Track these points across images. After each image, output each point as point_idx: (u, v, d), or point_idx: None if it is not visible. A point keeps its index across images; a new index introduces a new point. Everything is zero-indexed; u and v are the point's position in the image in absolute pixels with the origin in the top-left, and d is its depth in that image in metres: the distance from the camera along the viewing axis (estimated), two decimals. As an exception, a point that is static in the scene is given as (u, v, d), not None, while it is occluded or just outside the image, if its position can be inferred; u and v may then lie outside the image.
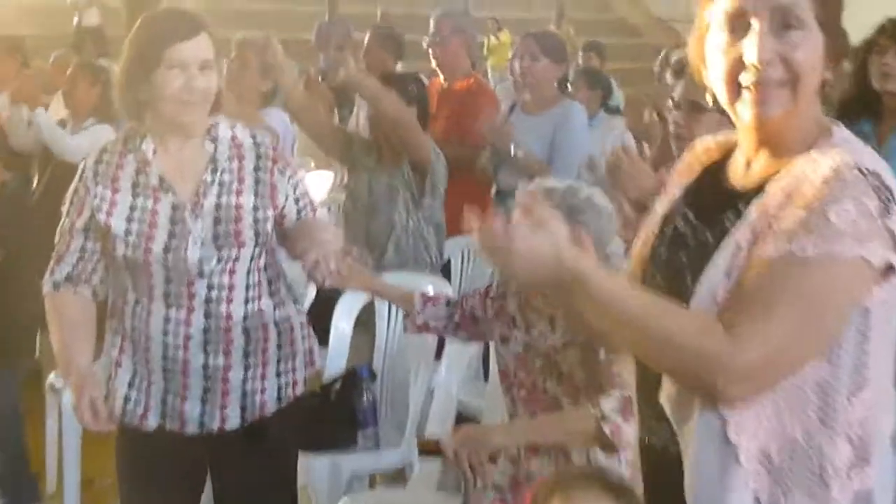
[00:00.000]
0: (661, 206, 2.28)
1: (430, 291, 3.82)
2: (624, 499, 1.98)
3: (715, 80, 2.06)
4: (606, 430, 2.98)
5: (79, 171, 3.33)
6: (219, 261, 3.20)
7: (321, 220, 3.42)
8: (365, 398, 4.42)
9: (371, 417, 4.39)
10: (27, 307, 4.83)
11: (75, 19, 16.69)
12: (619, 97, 10.16)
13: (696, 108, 3.71)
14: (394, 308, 4.58)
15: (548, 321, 3.25)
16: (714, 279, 1.99)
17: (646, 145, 6.52)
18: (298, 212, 3.34)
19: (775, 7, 1.96)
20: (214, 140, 3.26)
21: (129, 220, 3.22)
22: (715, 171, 2.19)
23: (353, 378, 4.48)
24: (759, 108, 2.00)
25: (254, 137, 3.34)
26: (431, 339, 4.39)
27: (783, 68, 1.98)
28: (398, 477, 4.60)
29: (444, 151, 5.10)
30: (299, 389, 3.41)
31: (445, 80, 6.33)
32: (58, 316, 3.33)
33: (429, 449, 3.73)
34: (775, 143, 2.06)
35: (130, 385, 3.32)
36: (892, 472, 2.10)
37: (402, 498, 4.17)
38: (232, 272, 3.24)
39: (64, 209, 3.34)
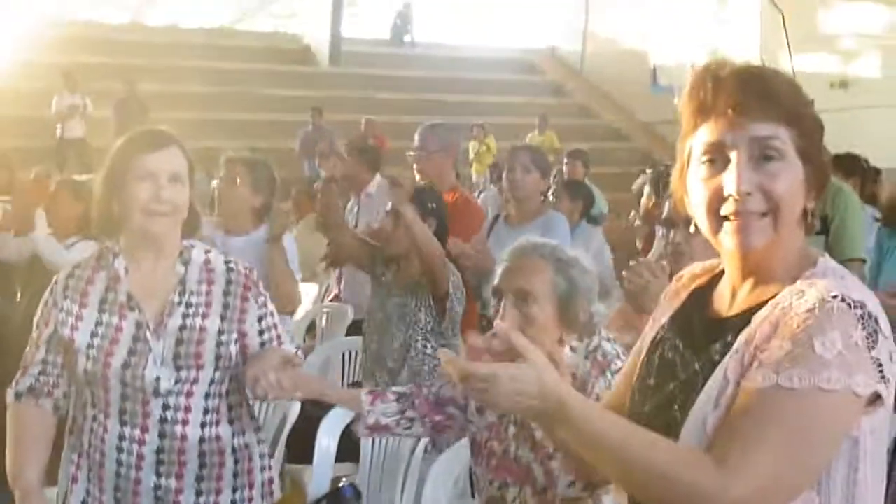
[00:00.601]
0: (650, 331, 2.25)
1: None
2: None
3: (697, 210, 2.04)
4: None
5: (50, 286, 3.33)
6: (177, 381, 3.17)
7: (279, 348, 3.33)
8: (352, 523, 4.38)
9: (358, 548, 4.34)
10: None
11: (58, 131, 16.41)
12: (602, 204, 10.19)
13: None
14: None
15: None
16: (704, 411, 1.95)
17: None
18: (262, 344, 3.30)
19: (754, 139, 1.95)
20: (186, 262, 3.24)
21: (93, 335, 3.20)
22: (701, 298, 2.16)
23: (338, 497, 4.42)
24: (740, 239, 1.98)
25: (227, 263, 3.31)
26: (418, 456, 4.33)
27: (763, 199, 1.96)
28: None
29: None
30: None
31: (427, 190, 6.33)
32: (15, 428, 3.30)
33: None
34: (760, 272, 2.03)
35: (83, 503, 3.27)
36: None
37: None
38: (189, 394, 3.19)
39: (35, 321, 3.33)
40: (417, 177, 6.37)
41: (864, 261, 5.26)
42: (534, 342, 2.97)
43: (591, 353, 3.11)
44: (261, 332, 3.30)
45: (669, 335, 2.16)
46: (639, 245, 7.68)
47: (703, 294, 2.17)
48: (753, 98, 1.95)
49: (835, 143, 4.74)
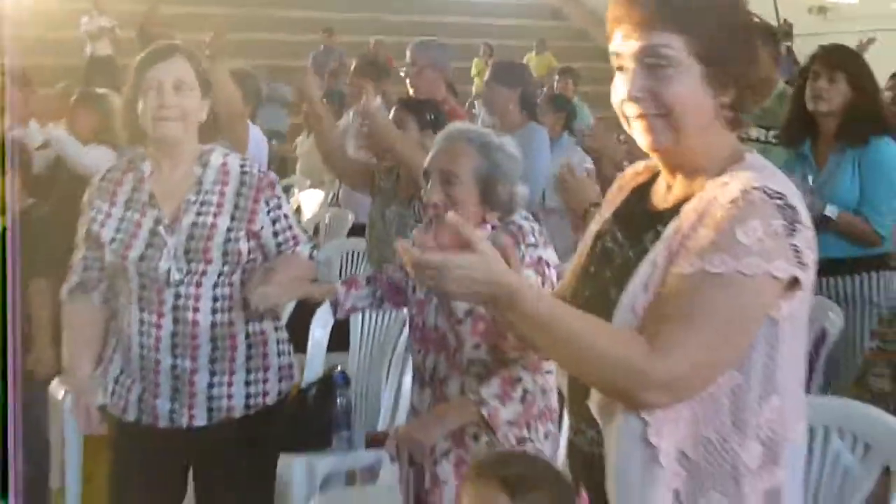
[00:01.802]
0: (594, 224, 2.29)
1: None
2: (520, 494, 1.92)
3: (617, 112, 2.09)
4: (485, 412, 2.99)
5: (87, 189, 3.46)
6: (187, 273, 3.25)
7: (290, 258, 3.40)
8: (339, 403, 4.42)
9: (345, 420, 4.38)
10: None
11: (87, 49, 16.53)
12: (586, 118, 10.17)
13: None
14: (367, 317, 4.57)
15: None
16: (634, 294, 2.00)
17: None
18: (277, 245, 3.38)
19: (645, 47, 1.98)
20: (204, 165, 3.34)
21: (117, 230, 3.33)
22: (642, 192, 2.20)
23: (329, 383, 4.47)
24: (646, 138, 2.04)
25: (242, 166, 3.38)
26: (401, 349, 4.39)
27: (654, 103, 2.00)
28: (374, 475, 4.60)
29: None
30: (271, 400, 3.41)
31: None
32: (68, 324, 3.51)
33: (376, 441, 3.74)
34: (685, 167, 2.08)
35: (116, 381, 3.41)
36: (800, 473, 2.11)
37: (369, 495, 4.16)
38: (199, 284, 3.27)
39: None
40: (411, 91, 6.38)
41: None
42: None
43: (507, 226, 3.15)
44: (275, 234, 3.38)
45: (610, 227, 2.20)
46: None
47: (643, 189, 2.21)
48: (647, 9, 1.98)
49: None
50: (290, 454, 4.19)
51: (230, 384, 3.33)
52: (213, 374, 3.31)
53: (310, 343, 4.68)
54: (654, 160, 2.18)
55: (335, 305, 3.57)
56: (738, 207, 1.91)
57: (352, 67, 8.01)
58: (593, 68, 14.88)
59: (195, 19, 16.55)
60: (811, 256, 1.95)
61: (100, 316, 3.48)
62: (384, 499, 3.74)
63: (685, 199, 2.04)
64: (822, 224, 4.43)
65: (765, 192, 1.93)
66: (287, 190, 8.14)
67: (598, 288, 2.14)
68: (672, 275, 1.95)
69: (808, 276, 1.96)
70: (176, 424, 3.33)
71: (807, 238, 1.94)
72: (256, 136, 5.68)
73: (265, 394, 3.40)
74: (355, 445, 4.36)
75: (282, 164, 10.84)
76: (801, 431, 2.07)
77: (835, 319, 4.40)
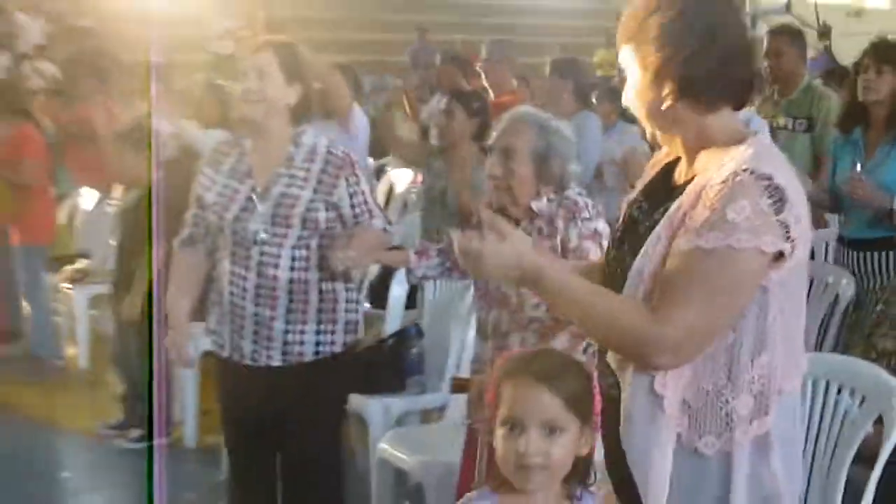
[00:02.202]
0: (629, 196, 2.29)
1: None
2: (554, 383, 1.90)
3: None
4: None
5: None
6: (272, 235, 3.31)
7: (366, 229, 3.42)
8: (413, 351, 4.47)
9: (418, 367, 4.43)
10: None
11: (212, 47, 16.73)
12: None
13: None
14: (437, 281, 4.58)
15: None
16: (642, 261, 2.01)
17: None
18: (354, 216, 3.40)
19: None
20: (297, 144, 3.39)
21: (219, 195, 3.41)
22: (668, 169, 2.19)
23: (404, 335, 4.52)
24: (660, 130, 2.11)
25: (329, 147, 3.41)
26: (467, 305, 4.39)
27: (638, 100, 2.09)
28: (441, 415, 4.62)
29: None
30: (337, 349, 3.43)
31: (494, 95, 6.33)
32: (174, 271, 3.60)
33: (460, 386, 3.74)
34: (694, 150, 2.07)
35: (218, 323, 3.48)
36: (793, 422, 2.08)
37: (436, 430, 4.18)
38: (280, 245, 3.33)
39: None
40: (485, 82, 6.42)
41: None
42: (514, 191, 3.00)
43: (563, 201, 3.14)
44: (352, 206, 3.40)
45: (638, 198, 2.21)
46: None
47: (670, 166, 2.19)
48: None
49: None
50: (368, 396, 4.26)
51: (302, 332, 3.37)
52: (288, 322, 3.36)
53: (389, 300, 4.71)
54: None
55: (408, 272, 3.58)
56: (728, 188, 1.90)
57: (438, 61, 8.10)
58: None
59: (304, 21, 16.63)
60: (800, 230, 1.92)
61: (203, 266, 3.56)
62: (451, 434, 3.74)
63: (692, 178, 2.03)
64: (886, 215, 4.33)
65: (752, 173, 1.91)
66: (382, 168, 8.18)
67: (621, 253, 2.14)
68: (673, 251, 1.95)
69: (798, 248, 1.93)
70: (257, 363, 3.40)
71: (796, 214, 1.91)
72: (361, 119, 5.71)
73: (332, 343, 3.42)
74: (427, 389, 4.38)
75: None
76: (793, 385, 2.05)
77: (846, 287, 4.32)
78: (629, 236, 2.15)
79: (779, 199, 1.90)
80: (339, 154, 3.39)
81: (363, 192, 3.41)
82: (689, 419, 1.98)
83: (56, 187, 7.53)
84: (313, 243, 3.35)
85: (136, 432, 5.26)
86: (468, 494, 2.06)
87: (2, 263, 6.79)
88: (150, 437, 5.18)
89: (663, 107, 2.03)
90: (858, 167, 4.42)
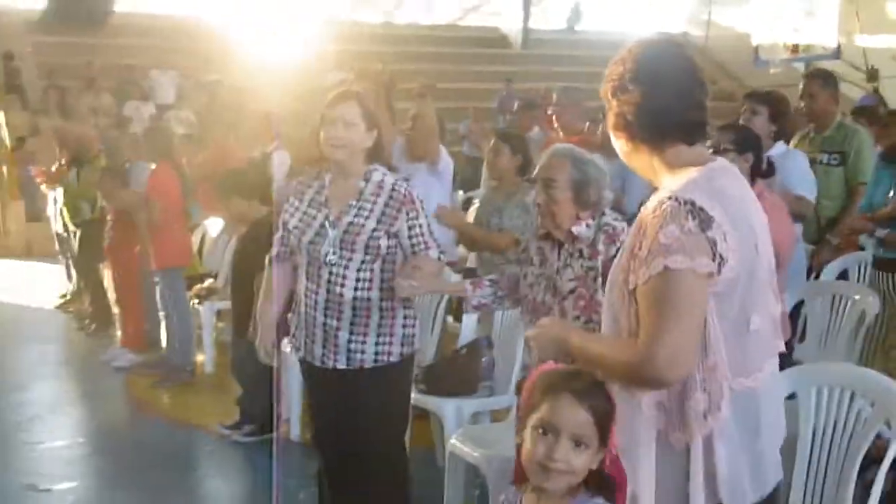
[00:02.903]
0: None
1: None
2: (587, 399, 1.95)
3: None
4: None
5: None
6: (340, 258, 3.38)
7: (425, 256, 3.46)
8: (484, 359, 4.48)
9: (488, 373, 4.44)
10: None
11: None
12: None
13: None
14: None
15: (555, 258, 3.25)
16: (607, 296, 2.13)
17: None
18: (412, 246, 3.45)
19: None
20: (367, 180, 3.46)
21: (300, 220, 3.50)
22: None
23: (477, 345, 4.54)
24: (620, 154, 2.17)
25: (394, 184, 3.47)
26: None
27: None
28: (507, 415, 4.63)
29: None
30: (394, 358, 3.48)
31: (563, 135, 6.33)
32: (265, 284, 3.72)
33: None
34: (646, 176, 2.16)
35: (297, 329, 3.58)
36: (744, 418, 2.06)
37: (503, 428, 4.19)
38: (346, 267, 3.40)
39: None
40: (556, 125, 6.44)
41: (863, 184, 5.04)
42: (556, 217, 3.02)
43: (602, 227, 3.19)
44: (410, 237, 3.45)
45: None
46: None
47: None
48: None
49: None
50: (444, 398, 4.30)
51: (364, 342, 3.43)
52: (351, 332, 3.43)
53: (464, 317, 4.74)
54: None
55: (465, 301, 3.60)
56: (656, 216, 1.94)
57: (517, 107, 8.20)
58: (717, 107, 14.63)
59: (413, 74, 16.83)
60: (727, 247, 1.93)
61: (288, 280, 3.62)
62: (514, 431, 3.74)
63: None
64: None
65: (676, 199, 1.94)
66: (470, 200, 8.22)
67: None
68: (636, 290, 1.97)
69: (729, 262, 1.94)
70: (325, 365, 3.48)
71: (721, 231, 1.93)
72: (445, 158, 5.77)
73: (389, 353, 3.47)
74: (495, 392, 4.40)
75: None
76: (745, 385, 2.03)
77: (873, 304, 4.24)
78: None
79: (704, 219, 1.92)
80: (401, 191, 3.44)
81: (420, 225, 3.45)
82: (665, 417, 2.01)
83: (188, 218, 7.78)
84: (376, 267, 3.42)
85: (247, 427, 5.38)
86: (500, 496, 2.10)
87: (146, 283, 7.03)
88: (261, 431, 5.33)
89: (624, 149, 2.10)
90: (892, 193, 4.37)
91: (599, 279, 3.09)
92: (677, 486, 2.00)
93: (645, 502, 2.01)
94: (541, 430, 1.94)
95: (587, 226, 3.18)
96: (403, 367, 3.54)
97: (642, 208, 2.03)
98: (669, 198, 1.95)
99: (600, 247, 3.14)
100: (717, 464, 1.98)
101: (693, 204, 1.94)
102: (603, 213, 3.22)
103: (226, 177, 5.64)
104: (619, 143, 2.12)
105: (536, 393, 1.99)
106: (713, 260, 1.92)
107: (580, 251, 3.17)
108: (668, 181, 2.05)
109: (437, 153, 5.54)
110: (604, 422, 1.96)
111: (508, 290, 3.49)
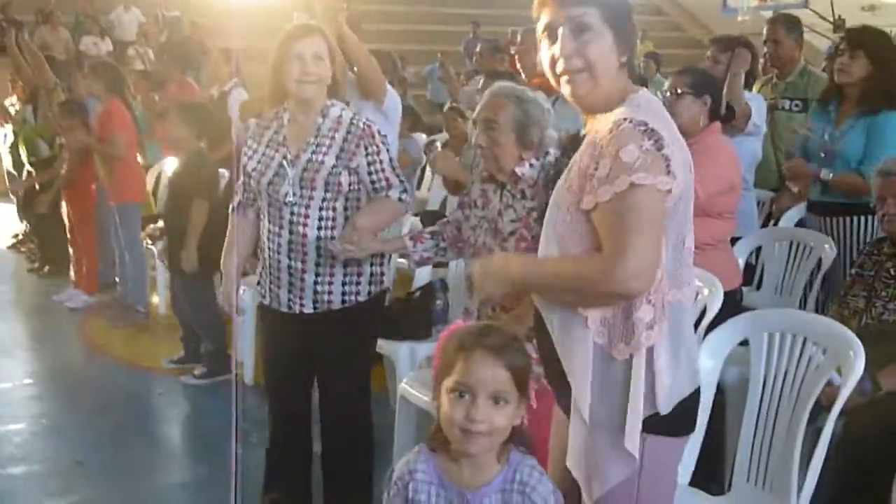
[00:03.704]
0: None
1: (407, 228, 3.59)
2: (504, 358, 1.89)
3: (547, 72, 2.10)
4: None
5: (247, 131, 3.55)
6: (301, 197, 3.29)
7: (381, 202, 3.37)
8: (439, 302, 4.43)
9: (442, 317, 4.39)
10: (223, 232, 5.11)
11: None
12: (660, 82, 9.87)
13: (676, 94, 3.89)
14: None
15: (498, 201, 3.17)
16: (551, 213, 2.11)
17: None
18: (372, 183, 3.35)
19: (570, 17, 2.02)
20: (324, 116, 3.34)
21: (258, 162, 3.38)
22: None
23: (431, 288, 4.48)
24: (571, 89, 2.05)
25: (352, 119, 3.36)
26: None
27: (580, 60, 2.03)
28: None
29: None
30: (362, 298, 3.39)
31: (526, 77, 6.22)
32: (229, 234, 3.59)
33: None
34: (595, 110, 2.08)
35: (260, 275, 3.49)
36: (679, 328, 2.08)
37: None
38: (308, 206, 3.30)
39: None
40: (519, 67, 6.32)
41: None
42: (499, 159, 2.96)
43: (545, 167, 3.07)
44: (370, 174, 3.34)
45: (561, 156, 2.35)
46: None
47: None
48: None
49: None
50: (397, 341, 4.24)
51: (330, 283, 3.34)
52: (317, 274, 3.33)
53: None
54: None
55: (408, 256, 3.50)
56: (615, 136, 1.94)
57: (479, 49, 8.06)
58: (686, 55, 14.52)
59: (379, 14, 16.57)
60: (678, 164, 1.97)
61: (253, 228, 3.51)
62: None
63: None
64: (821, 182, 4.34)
65: (630, 122, 1.95)
66: (433, 142, 8.11)
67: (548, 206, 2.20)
68: (596, 208, 1.97)
69: (679, 180, 1.97)
70: (292, 310, 3.39)
71: (672, 150, 1.96)
72: (392, 95, 5.63)
73: (357, 293, 3.38)
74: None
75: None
76: (679, 298, 2.06)
77: (829, 251, 4.21)
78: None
79: (657, 139, 1.94)
80: (360, 125, 3.33)
81: (381, 161, 3.34)
82: (607, 332, 2.02)
83: (145, 158, 7.63)
84: (339, 205, 3.32)
85: (200, 370, 5.31)
86: (408, 454, 2.02)
87: (101, 223, 6.90)
88: (213, 374, 5.27)
89: (622, 59, 2.05)
90: (827, 136, 4.33)
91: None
92: (616, 398, 2.01)
93: (585, 415, 2.01)
94: (457, 393, 1.87)
95: (530, 166, 3.08)
96: (372, 307, 3.46)
97: (592, 133, 2.02)
98: (624, 120, 1.95)
99: (546, 184, 3.04)
100: (657, 374, 2.00)
101: (646, 125, 1.95)
102: (547, 153, 3.11)
103: (175, 106, 5.51)
104: (605, 66, 2.06)
105: (449, 354, 1.91)
106: (667, 177, 1.94)
107: (522, 192, 3.08)
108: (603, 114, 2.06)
109: (379, 89, 5.38)
110: (521, 376, 1.91)
111: (452, 238, 3.40)
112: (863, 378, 2.75)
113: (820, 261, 4.23)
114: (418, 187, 8.38)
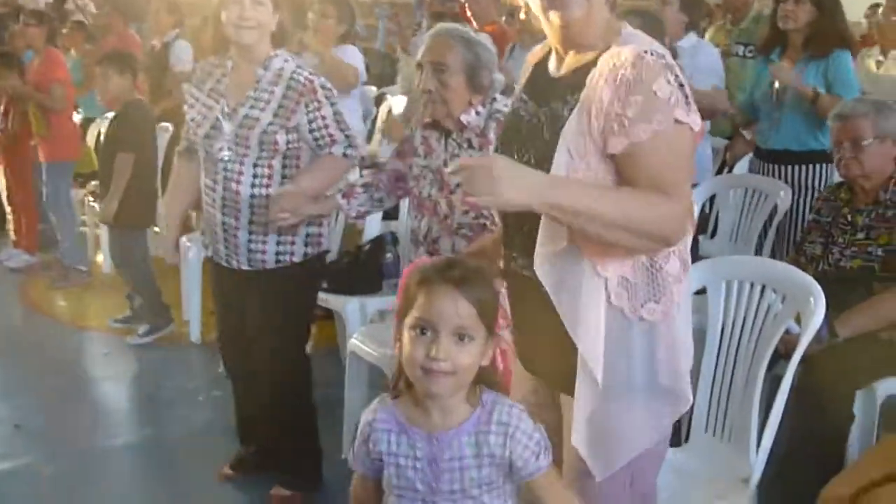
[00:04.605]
0: (510, 102, 2.13)
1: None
2: (468, 291, 1.73)
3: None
4: None
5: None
6: (235, 154, 3.14)
7: (325, 160, 3.23)
8: (389, 256, 4.32)
9: (393, 270, 4.27)
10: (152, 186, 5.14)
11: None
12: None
13: None
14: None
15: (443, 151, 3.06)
16: (562, 159, 1.82)
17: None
18: (315, 140, 3.20)
19: None
20: (266, 68, 3.18)
21: (198, 112, 3.24)
22: (541, 67, 2.03)
23: (381, 241, 4.37)
24: (564, 14, 1.86)
25: (294, 72, 3.18)
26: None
27: None
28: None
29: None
30: (297, 259, 3.27)
31: (476, 24, 6.10)
32: (171, 180, 3.51)
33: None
34: (579, 41, 1.90)
35: (203, 228, 3.39)
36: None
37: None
38: (241, 163, 3.15)
39: None
40: (469, 13, 6.21)
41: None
42: (449, 104, 2.82)
43: (493, 114, 2.95)
44: (312, 131, 3.19)
45: (522, 97, 2.03)
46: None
47: (542, 64, 2.03)
48: None
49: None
50: (347, 296, 4.12)
51: (264, 242, 3.22)
52: (251, 232, 3.21)
53: (370, 211, 4.54)
54: (547, 42, 2.03)
55: (345, 213, 3.39)
56: (642, 71, 1.77)
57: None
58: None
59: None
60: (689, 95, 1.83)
61: (196, 177, 3.36)
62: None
63: (580, 68, 1.88)
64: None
65: (653, 54, 1.80)
66: (383, 95, 7.94)
67: (508, 151, 1.96)
68: (634, 147, 1.77)
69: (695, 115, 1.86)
70: (230, 266, 3.29)
71: (688, 84, 1.84)
72: (353, 53, 5.46)
73: (292, 254, 3.27)
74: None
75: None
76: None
77: (784, 197, 4.15)
78: (514, 134, 2.00)
79: (676, 74, 1.81)
80: (300, 79, 3.16)
81: (324, 117, 3.19)
82: (627, 293, 1.85)
83: (85, 111, 7.38)
84: (275, 163, 3.17)
85: (144, 329, 5.16)
86: (372, 409, 1.87)
87: (35, 180, 6.67)
88: (155, 332, 5.13)
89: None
90: (776, 86, 4.26)
91: None
92: (639, 363, 1.88)
93: (599, 381, 1.84)
94: (419, 330, 1.73)
95: (477, 113, 2.96)
96: (308, 268, 3.33)
97: (600, 68, 1.82)
98: (646, 51, 1.79)
99: (491, 135, 2.91)
100: (677, 333, 1.90)
101: (665, 57, 1.81)
102: (494, 99, 2.98)
103: (109, 56, 5.29)
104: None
105: (410, 289, 1.76)
106: (696, 115, 1.83)
107: (469, 140, 2.95)
108: (587, 47, 1.90)
109: (325, 42, 5.22)
110: (487, 311, 1.75)
111: (388, 187, 3.28)
112: (820, 326, 2.69)
113: (775, 207, 4.17)
114: (368, 140, 8.23)
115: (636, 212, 1.75)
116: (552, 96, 1.92)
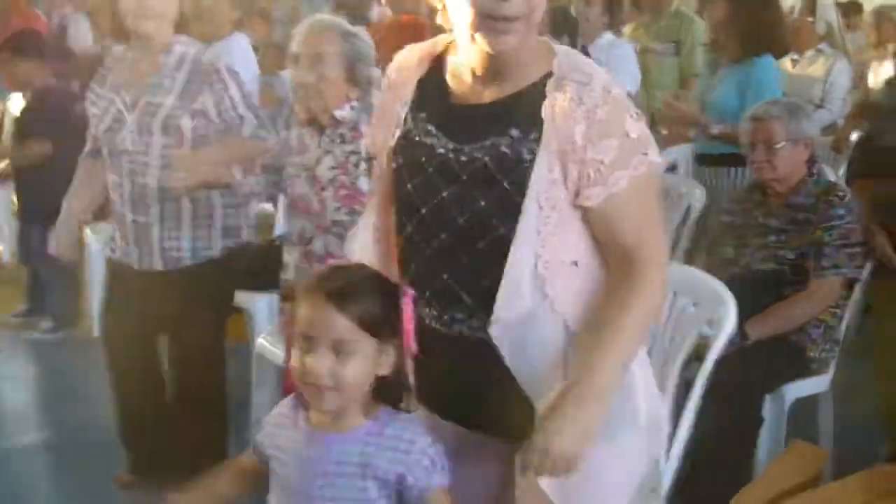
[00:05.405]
0: (398, 107, 1.81)
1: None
2: (344, 303, 1.62)
3: (463, 11, 1.64)
4: None
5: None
6: (139, 144, 3.04)
7: (231, 139, 3.11)
8: (300, 251, 4.21)
9: (303, 266, 4.17)
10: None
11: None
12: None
13: None
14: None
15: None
16: (538, 188, 1.65)
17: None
18: (223, 122, 3.10)
19: None
20: (168, 54, 3.09)
21: (99, 107, 3.14)
22: (436, 87, 1.77)
23: (292, 236, 4.26)
24: (500, 39, 1.63)
25: (195, 56, 3.11)
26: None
27: (525, 7, 1.62)
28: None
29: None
30: (215, 253, 3.17)
31: (392, 12, 6.07)
32: (74, 179, 3.37)
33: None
34: (512, 64, 1.69)
35: (112, 229, 3.27)
36: None
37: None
38: (146, 154, 3.04)
39: None
40: (383, 2, 6.18)
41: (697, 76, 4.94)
42: (326, 97, 2.66)
43: (368, 108, 2.88)
44: (220, 113, 3.08)
45: (428, 128, 1.77)
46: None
47: (434, 84, 1.78)
48: None
49: None
50: (255, 293, 4.00)
51: (178, 238, 3.13)
52: (163, 229, 3.11)
53: (280, 203, 4.41)
54: (428, 48, 1.81)
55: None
56: (612, 109, 1.63)
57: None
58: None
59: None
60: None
61: (100, 176, 3.26)
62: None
63: (515, 95, 1.69)
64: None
65: (615, 86, 1.68)
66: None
67: (433, 184, 1.73)
68: (610, 196, 1.64)
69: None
70: (143, 267, 3.17)
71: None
72: (241, 42, 5.35)
73: (210, 248, 3.18)
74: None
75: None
76: None
77: (699, 197, 4.15)
78: (418, 170, 1.75)
79: (630, 104, 1.70)
80: (205, 63, 3.10)
81: (232, 98, 3.11)
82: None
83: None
84: (179, 151, 3.06)
85: (46, 324, 4.98)
86: (282, 402, 1.81)
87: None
88: (58, 328, 4.96)
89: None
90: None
91: (363, 164, 2.80)
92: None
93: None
94: (301, 342, 1.64)
95: (351, 108, 2.91)
96: (226, 263, 3.23)
97: (560, 98, 1.64)
98: (612, 84, 1.67)
99: (363, 127, 2.85)
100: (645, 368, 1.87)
101: (621, 87, 1.71)
102: (369, 93, 2.95)
103: (14, 37, 5.08)
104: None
105: (298, 300, 1.68)
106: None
107: (342, 136, 2.90)
108: (522, 68, 1.70)
109: (219, 27, 5.11)
110: (374, 319, 1.63)
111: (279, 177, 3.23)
112: (730, 328, 2.69)
113: (689, 208, 4.17)
114: (287, 127, 8.09)
115: (641, 323, 1.68)
116: (483, 131, 1.69)
